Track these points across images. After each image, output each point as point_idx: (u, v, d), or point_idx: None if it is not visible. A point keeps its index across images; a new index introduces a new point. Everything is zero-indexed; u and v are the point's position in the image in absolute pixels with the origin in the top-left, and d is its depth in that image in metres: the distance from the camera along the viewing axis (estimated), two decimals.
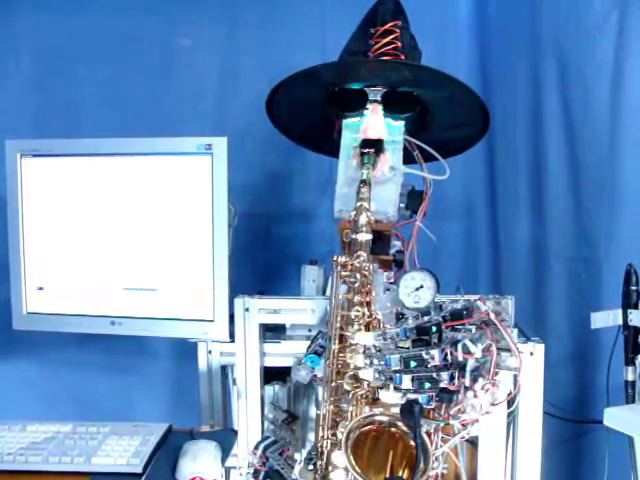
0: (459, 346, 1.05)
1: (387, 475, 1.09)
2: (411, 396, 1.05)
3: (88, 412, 1.94)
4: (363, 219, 1.17)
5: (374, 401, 1.13)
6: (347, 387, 1.14)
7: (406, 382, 1.05)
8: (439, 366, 1.05)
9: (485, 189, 2.06)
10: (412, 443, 1.04)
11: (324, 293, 1.50)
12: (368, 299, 1.17)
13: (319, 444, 1.14)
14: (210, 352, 1.48)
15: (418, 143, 1.40)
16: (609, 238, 1.80)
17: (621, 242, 1.78)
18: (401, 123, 1.38)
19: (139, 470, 1.23)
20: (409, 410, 1.02)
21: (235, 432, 1.41)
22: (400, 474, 1.09)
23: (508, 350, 1.12)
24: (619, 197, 1.79)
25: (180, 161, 1.45)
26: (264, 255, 2.03)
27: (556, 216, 1.90)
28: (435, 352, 1.04)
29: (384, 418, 1.10)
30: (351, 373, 1.14)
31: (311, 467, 1.15)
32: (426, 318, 1.11)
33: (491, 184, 2.05)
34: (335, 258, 1.20)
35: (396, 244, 1.45)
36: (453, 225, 2.03)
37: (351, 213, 1.20)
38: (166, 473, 1.23)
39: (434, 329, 1.07)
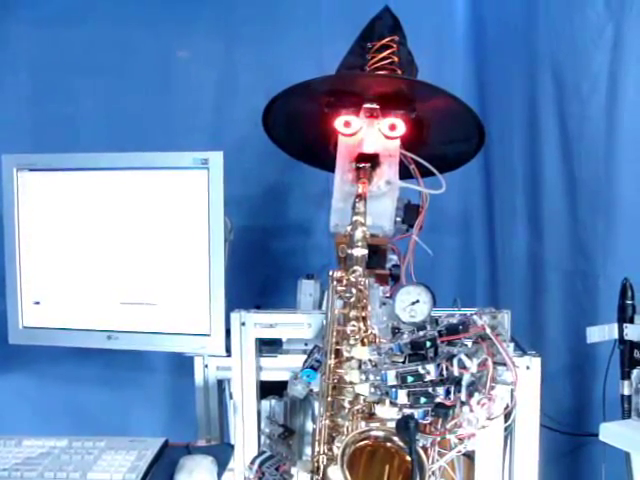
0: (455, 361, 1.05)
1: None
2: (407, 411, 1.05)
3: (84, 427, 1.93)
4: (359, 234, 1.17)
5: (370, 416, 1.13)
6: (343, 402, 1.14)
7: (402, 397, 1.04)
8: (435, 381, 1.05)
9: (482, 203, 2.06)
10: (408, 458, 1.04)
11: (321, 307, 1.50)
12: (364, 314, 1.17)
13: (315, 459, 1.14)
14: (206, 366, 1.47)
15: (414, 157, 1.40)
16: (606, 251, 1.81)
17: (617, 256, 1.78)
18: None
19: None
20: (404, 426, 1.02)
21: (232, 447, 1.40)
22: None
23: (504, 364, 1.11)
24: (616, 210, 1.79)
25: (176, 175, 1.45)
26: (261, 269, 2.02)
27: (553, 229, 1.91)
28: (431, 367, 1.04)
29: (380, 433, 1.09)
30: (347, 388, 1.14)
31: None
32: (422, 333, 1.11)
33: (488, 197, 2.05)
34: (331, 273, 1.19)
35: (392, 258, 1.45)
36: (450, 239, 2.04)
37: (347, 228, 1.20)
38: None
39: (429, 344, 1.07)
